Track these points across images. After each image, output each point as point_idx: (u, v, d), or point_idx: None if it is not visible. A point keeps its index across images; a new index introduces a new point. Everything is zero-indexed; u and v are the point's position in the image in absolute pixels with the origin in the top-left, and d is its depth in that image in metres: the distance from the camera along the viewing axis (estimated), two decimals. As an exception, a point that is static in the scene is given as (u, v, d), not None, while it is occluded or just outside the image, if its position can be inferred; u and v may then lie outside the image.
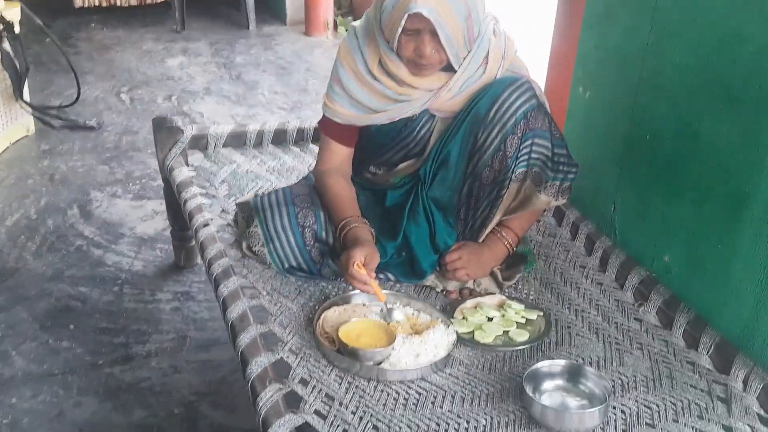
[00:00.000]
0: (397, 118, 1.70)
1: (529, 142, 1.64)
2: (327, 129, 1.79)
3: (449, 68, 1.64)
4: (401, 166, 1.79)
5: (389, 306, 1.60)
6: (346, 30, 4.92)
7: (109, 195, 2.92)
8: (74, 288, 2.35)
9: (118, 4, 4.97)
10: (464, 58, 1.63)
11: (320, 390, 1.39)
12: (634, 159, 1.83)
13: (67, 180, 3.01)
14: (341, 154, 1.80)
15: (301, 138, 2.37)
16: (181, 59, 4.44)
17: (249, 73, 4.28)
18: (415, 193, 1.74)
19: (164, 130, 2.20)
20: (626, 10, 1.79)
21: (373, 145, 1.78)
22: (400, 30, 1.54)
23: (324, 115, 1.78)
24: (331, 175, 1.78)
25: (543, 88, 2.31)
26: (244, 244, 1.79)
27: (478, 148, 1.65)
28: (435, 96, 1.66)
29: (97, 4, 4.92)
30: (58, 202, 2.85)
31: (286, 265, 1.72)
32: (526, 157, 1.66)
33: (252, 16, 4.99)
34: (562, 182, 1.71)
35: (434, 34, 1.54)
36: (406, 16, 1.51)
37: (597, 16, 1.91)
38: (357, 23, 1.73)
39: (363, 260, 1.57)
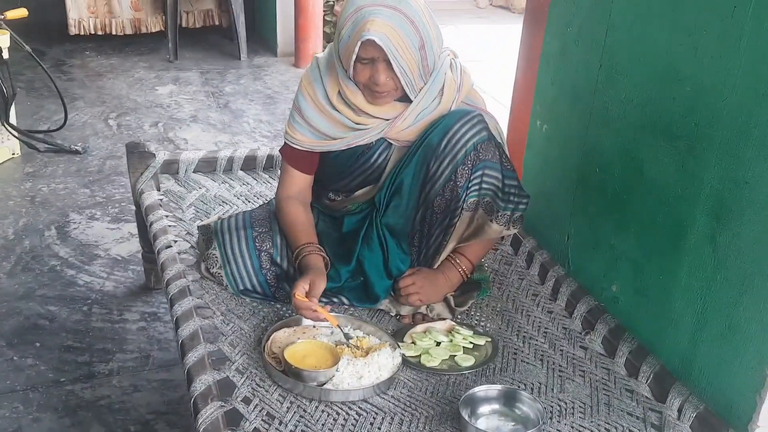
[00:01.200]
0: (354, 145, 1.75)
1: (479, 172, 1.69)
2: (288, 156, 1.84)
3: (405, 99, 1.71)
4: (358, 192, 1.84)
5: (344, 330, 1.64)
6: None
7: (87, 217, 2.97)
8: (44, 307, 2.39)
9: (114, 32, 5.07)
10: (420, 90, 1.69)
11: (262, 409, 1.43)
12: (587, 191, 1.88)
13: (48, 202, 3.07)
14: (301, 181, 1.85)
15: (270, 165, 2.43)
16: (172, 87, 4.53)
17: (237, 102, 4.36)
18: (370, 219, 1.79)
19: (136, 155, 2.25)
20: (579, 48, 1.86)
21: (332, 171, 1.83)
22: (354, 57, 1.60)
23: (285, 143, 1.83)
24: (290, 202, 1.83)
25: (507, 121, 2.38)
26: (202, 266, 1.83)
27: (430, 177, 1.69)
28: (391, 125, 1.72)
29: (92, 31, 5.01)
30: (36, 224, 2.89)
31: (242, 287, 1.77)
32: (477, 187, 1.70)
33: (244, 47, 5.09)
34: (513, 212, 1.75)
35: (388, 62, 1.60)
36: (359, 43, 1.57)
37: (553, 53, 1.98)
38: (320, 54, 1.80)
39: (306, 288, 1.61)
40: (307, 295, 1.61)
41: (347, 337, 1.61)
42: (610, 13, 1.72)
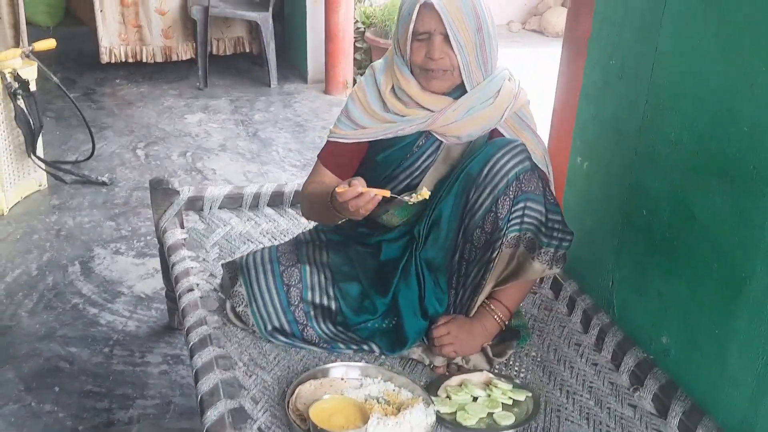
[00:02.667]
0: (399, 133, 1.67)
1: (521, 204, 1.59)
2: (325, 158, 1.77)
3: (458, 97, 1.65)
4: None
5: (401, 197, 1.56)
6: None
7: (112, 252, 2.91)
8: (64, 348, 2.32)
9: (145, 60, 5.07)
10: (477, 83, 1.63)
11: (285, 473, 1.33)
12: (632, 233, 1.76)
13: (73, 236, 3.02)
14: (328, 181, 1.74)
15: (297, 201, 2.34)
16: (201, 116, 4.49)
17: (266, 130, 4.30)
18: (409, 251, 1.69)
19: (160, 191, 2.18)
20: (623, 83, 1.75)
21: (376, 175, 1.72)
22: (411, 27, 1.58)
23: (325, 145, 1.77)
24: (314, 184, 1.76)
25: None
26: (228, 305, 1.75)
27: (469, 208, 1.61)
28: (439, 114, 1.64)
29: (123, 59, 5.02)
30: (60, 259, 2.84)
31: (269, 327, 1.69)
32: (518, 220, 1.60)
33: (274, 74, 5.05)
34: (556, 249, 1.64)
35: (445, 37, 1.57)
36: (418, 7, 1.55)
37: (594, 87, 1.87)
38: (376, 63, 1.76)
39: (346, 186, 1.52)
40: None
41: (404, 200, 1.56)
42: (656, 47, 1.61)
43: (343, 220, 1.66)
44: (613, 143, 1.81)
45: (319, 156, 1.79)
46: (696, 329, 1.55)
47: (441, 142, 1.69)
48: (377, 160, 1.73)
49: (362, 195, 1.49)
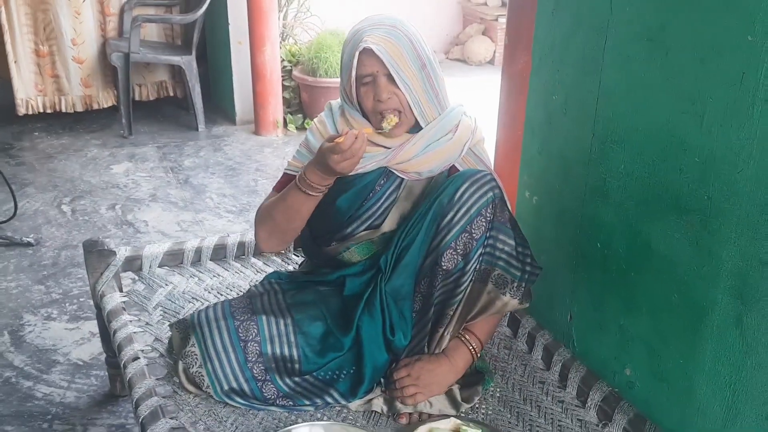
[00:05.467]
0: (359, 171, 1.65)
1: (494, 233, 1.58)
2: (281, 186, 1.74)
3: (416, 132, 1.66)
4: (360, 234, 1.71)
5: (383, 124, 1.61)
6: (296, 128, 4.90)
7: (43, 318, 2.74)
8: (-1, 427, 2.16)
9: (64, 110, 4.88)
10: (434, 119, 1.64)
11: None
12: (588, 267, 1.75)
13: (0, 303, 2.84)
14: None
15: (242, 252, 2.26)
16: (128, 165, 4.34)
17: (197, 176, 4.19)
18: (374, 284, 1.65)
19: (95, 254, 2.07)
20: (567, 118, 1.75)
21: (339, 216, 1.70)
22: (353, 74, 1.58)
23: (282, 177, 1.77)
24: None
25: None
26: (180, 366, 1.66)
27: (442, 228, 1.57)
28: (397, 150, 1.63)
29: (41, 110, 4.82)
30: (-13, 329, 2.67)
31: (225, 387, 1.61)
32: (490, 251, 1.58)
33: (201, 117, 4.94)
34: (527, 283, 1.63)
35: (389, 77, 1.57)
36: (357, 54, 1.56)
37: (538, 122, 1.87)
38: (333, 101, 1.77)
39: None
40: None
41: (383, 127, 1.61)
42: (599, 82, 1.62)
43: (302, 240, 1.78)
44: (561, 177, 1.80)
45: (274, 188, 1.77)
46: (660, 361, 1.55)
47: (402, 179, 1.67)
48: (337, 205, 1.69)
49: (357, 137, 1.51)
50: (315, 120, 1.77)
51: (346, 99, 1.68)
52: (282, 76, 4.88)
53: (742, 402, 1.36)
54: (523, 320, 1.93)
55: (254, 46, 4.60)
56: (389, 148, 1.64)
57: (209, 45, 5.42)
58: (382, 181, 1.68)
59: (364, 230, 1.70)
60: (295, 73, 4.97)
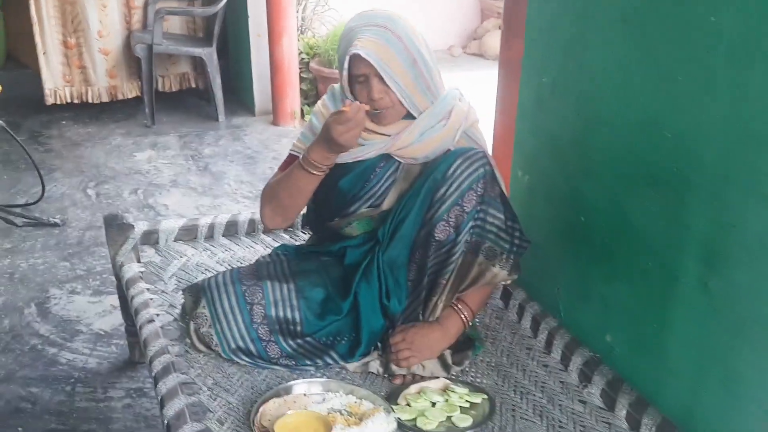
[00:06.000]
0: (360, 158, 1.76)
1: (484, 207, 1.68)
2: (286, 167, 1.84)
3: (413, 118, 1.74)
4: (362, 211, 1.82)
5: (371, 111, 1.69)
6: (314, 119, 5.02)
7: (68, 292, 2.90)
8: (26, 389, 2.31)
9: (90, 100, 5.06)
10: (426, 109, 1.73)
11: (254, 489, 1.37)
12: (574, 241, 1.86)
13: (27, 278, 3.00)
14: None
15: (252, 229, 2.40)
16: (150, 153, 4.50)
17: (216, 164, 4.34)
18: (372, 254, 1.77)
19: (114, 227, 2.21)
20: (555, 98, 1.86)
21: (339, 198, 1.81)
22: (346, 74, 1.67)
23: (287, 158, 1.87)
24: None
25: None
26: (191, 327, 1.79)
27: (435, 202, 1.67)
28: (394, 139, 1.73)
29: (69, 100, 5.00)
30: (16, 301, 2.83)
31: (233, 346, 1.74)
32: (480, 224, 1.69)
33: (221, 108, 5.09)
34: (516, 256, 1.73)
35: (380, 77, 1.66)
36: (347, 58, 1.65)
37: (529, 104, 1.98)
38: (336, 85, 1.85)
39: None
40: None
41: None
42: (582, 64, 1.72)
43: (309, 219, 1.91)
44: (550, 156, 1.91)
45: (279, 168, 1.88)
46: (638, 327, 1.65)
47: (400, 162, 1.78)
48: (340, 186, 1.80)
49: (360, 109, 1.62)
50: (318, 103, 1.86)
51: (343, 91, 1.77)
52: (300, 68, 5.02)
53: (709, 361, 1.46)
54: (514, 293, 2.04)
55: (272, 38, 4.74)
56: (389, 136, 1.75)
57: (230, 38, 5.57)
58: (382, 164, 1.79)
59: (366, 209, 1.82)
60: (313, 65, 5.10)
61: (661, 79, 1.49)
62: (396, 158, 1.78)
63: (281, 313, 1.76)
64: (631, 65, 1.57)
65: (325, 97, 1.87)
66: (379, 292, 1.75)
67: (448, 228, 1.68)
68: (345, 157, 1.75)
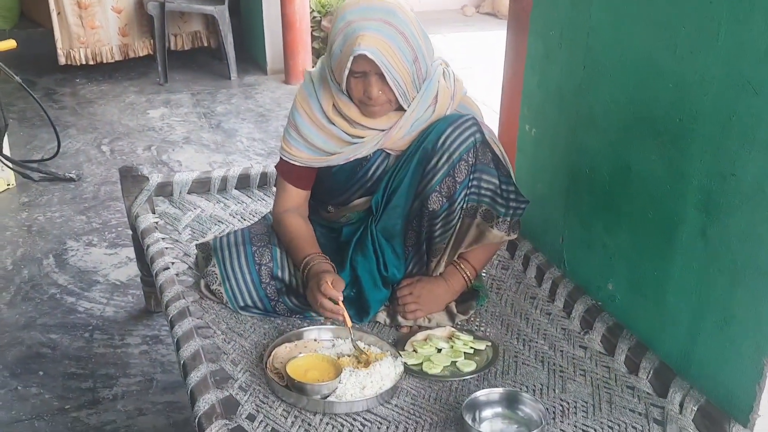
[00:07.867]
0: (352, 158, 1.75)
1: (477, 174, 1.69)
2: (284, 172, 1.84)
3: (400, 108, 1.70)
4: (357, 201, 1.83)
5: (354, 339, 1.65)
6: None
7: (84, 244, 2.98)
8: (45, 335, 2.40)
9: (104, 60, 5.09)
10: (414, 99, 1.69)
11: (267, 425, 1.43)
12: (578, 192, 1.89)
13: (45, 231, 3.08)
14: (298, 197, 1.85)
15: (264, 182, 2.45)
16: (163, 110, 4.55)
17: (229, 121, 4.38)
18: (365, 225, 1.79)
19: (130, 179, 2.27)
20: (562, 51, 1.88)
21: (331, 186, 1.83)
22: (347, 72, 1.61)
23: (281, 159, 1.83)
24: (289, 215, 1.83)
25: (497, 126, 2.40)
26: (202, 283, 1.84)
27: (426, 173, 1.68)
28: (386, 135, 1.71)
29: (83, 62, 5.02)
30: (34, 253, 2.91)
31: (242, 303, 1.79)
32: (475, 190, 1.70)
33: (233, 66, 5.11)
34: (512, 218, 1.75)
35: (381, 75, 1.61)
36: (351, 58, 1.57)
37: (537, 56, 2.00)
38: (312, 69, 1.80)
39: (331, 287, 1.62)
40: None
41: (353, 345, 1.63)
42: (589, 16, 1.74)
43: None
44: (556, 109, 1.94)
45: (278, 172, 1.85)
46: (638, 275, 1.69)
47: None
48: (333, 173, 1.80)
49: (335, 307, 1.63)
50: (297, 97, 1.78)
51: (333, 80, 1.69)
52: (311, 27, 5.02)
53: (706, 306, 1.50)
54: (520, 244, 2.08)
55: (284, -4, 4.74)
56: (381, 131, 1.72)
57: (242, -4, 5.57)
58: (370, 155, 1.77)
59: (359, 197, 1.83)
60: (324, 23, 5.10)
61: (665, 29, 1.50)
62: (391, 152, 1.77)
63: (287, 277, 1.80)
64: (636, 17, 1.58)
65: (303, 89, 1.78)
66: (376, 264, 1.77)
67: (440, 198, 1.69)
68: (339, 159, 1.75)
